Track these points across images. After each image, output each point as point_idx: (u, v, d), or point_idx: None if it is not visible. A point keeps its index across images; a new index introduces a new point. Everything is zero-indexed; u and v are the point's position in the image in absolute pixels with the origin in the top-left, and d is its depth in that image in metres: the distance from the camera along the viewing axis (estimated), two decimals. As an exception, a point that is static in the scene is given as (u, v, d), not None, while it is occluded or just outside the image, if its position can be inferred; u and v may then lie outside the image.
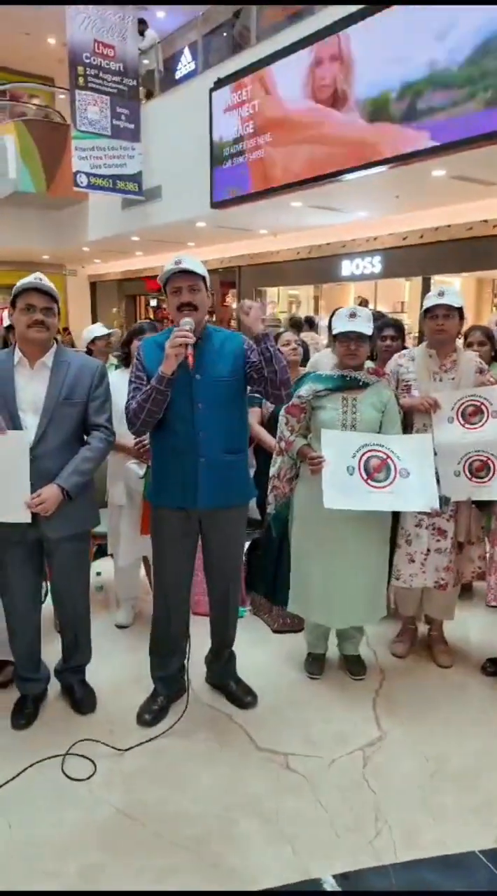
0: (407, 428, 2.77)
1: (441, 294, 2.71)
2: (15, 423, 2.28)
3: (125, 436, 2.77)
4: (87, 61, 8.47)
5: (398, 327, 3.55)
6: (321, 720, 2.58)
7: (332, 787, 2.21)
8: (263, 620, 3.38)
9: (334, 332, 2.61)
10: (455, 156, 5.27)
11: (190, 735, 2.46)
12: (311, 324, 7.64)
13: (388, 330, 3.43)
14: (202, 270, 2.34)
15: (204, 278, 2.35)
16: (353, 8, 5.63)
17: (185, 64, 9.64)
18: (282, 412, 2.72)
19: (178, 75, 9.63)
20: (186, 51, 9.55)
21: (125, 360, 3.22)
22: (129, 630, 3.30)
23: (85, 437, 2.45)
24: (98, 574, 3.79)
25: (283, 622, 3.25)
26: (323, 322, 10.51)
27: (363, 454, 2.50)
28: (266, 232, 10.17)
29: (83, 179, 8.78)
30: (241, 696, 2.66)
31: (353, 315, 2.55)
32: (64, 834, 2.00)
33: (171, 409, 2.32)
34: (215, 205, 7.77)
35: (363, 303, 9.95)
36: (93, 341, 4.42)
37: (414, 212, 8.27)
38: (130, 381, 2.40)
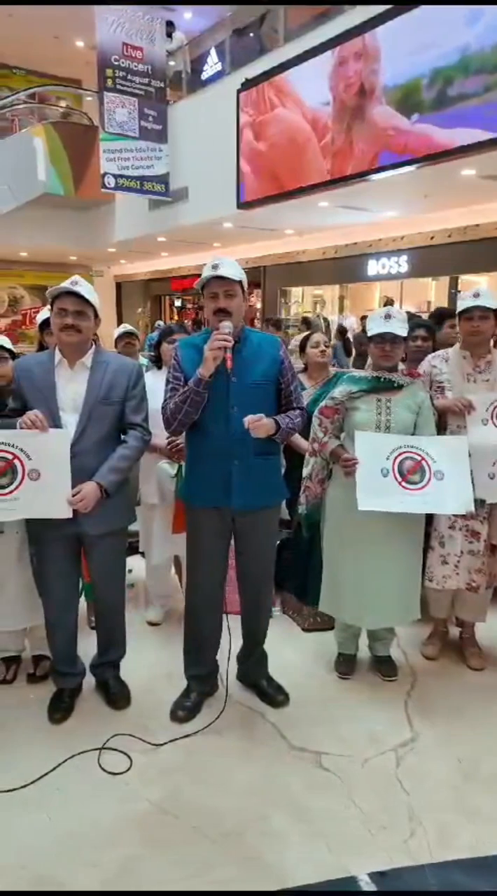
0: (441, 429, 2.76)
1: (476, 295, 2.70)
2: (55, 422, 2.34)
3: (157, 436, 2.81)
4: (116, 63, 8.55)
5: (429, 328, 3.53)
6: (352, 720, 2.59)
7: (365, 787, 2.23)
8: (293, 619, 3.39)
9: (369, 333, 2.62)
10: (485, 155, 5.21)
11: (223, 732, 2.49)
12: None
13: (419, 331, 3.41)
14: (238, 275, 2.35)
15: (241, 283, 2.37)
16: (381, 8, 5.59)
17: (212, 65, 9.66)
18: (315, 413, 2.73)
19: (204, 76, 9.66)
20: (213, 52, 9.57)
21: (156, 362, 3.27)
22: (159, 627, 3.35)
23: (121, 437, 2.49)
24: (129, 571, 3.82)
25: (313, 620, 3.27)
26: (347, 321, 10.50)
27: (397, 456, 2.50)
28: (292, 232, 10.16)
29: (111, 181, 8.85)
30: (274, 695, 2.68)
31: (388, 316, 2.55)
32: (102, 826, 2.04)
33: (207, 411, 2.36)
34: (242, 205, 7.79)
35: (389, 302, 9.91)
36: (115, 343, 4.48)
37: (442, 211, 8.20)
38: (168, 381, 2.44)
